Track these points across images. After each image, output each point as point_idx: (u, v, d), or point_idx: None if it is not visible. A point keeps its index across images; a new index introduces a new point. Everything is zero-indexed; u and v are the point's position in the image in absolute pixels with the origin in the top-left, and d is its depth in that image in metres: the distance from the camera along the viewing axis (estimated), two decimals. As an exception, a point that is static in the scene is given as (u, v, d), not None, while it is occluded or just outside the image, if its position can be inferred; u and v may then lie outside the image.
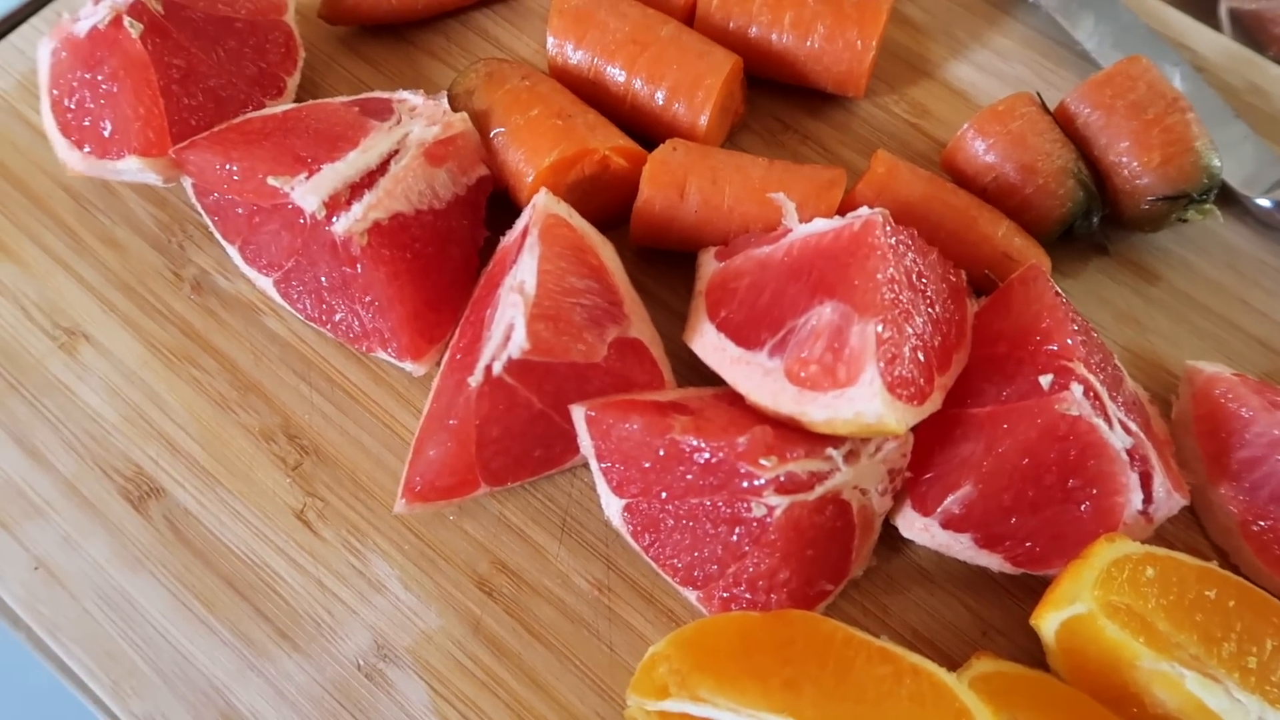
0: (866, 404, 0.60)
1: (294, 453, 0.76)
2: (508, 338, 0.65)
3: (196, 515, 0.73)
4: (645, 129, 0.82)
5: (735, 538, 0.64)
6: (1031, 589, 0.71)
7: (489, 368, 0.65)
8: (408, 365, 0.74)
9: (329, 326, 0.76)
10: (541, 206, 0.72)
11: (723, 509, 0.64)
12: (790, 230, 0.71)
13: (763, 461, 0.61)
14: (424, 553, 0.72)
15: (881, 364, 0.61)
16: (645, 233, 0.78)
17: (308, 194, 0.68)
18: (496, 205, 0.79)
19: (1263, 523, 0.70)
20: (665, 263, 0.82)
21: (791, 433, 0.64)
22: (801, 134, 0.89)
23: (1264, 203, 0.84)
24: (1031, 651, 0.68)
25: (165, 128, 0.74)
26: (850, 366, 0.61)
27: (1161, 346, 0.81)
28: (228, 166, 0.71)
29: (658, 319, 0.76)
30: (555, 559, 0.72)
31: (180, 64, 0.76)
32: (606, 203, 0.80)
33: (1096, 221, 0.80)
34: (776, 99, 0.90)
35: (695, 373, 0.75)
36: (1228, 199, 0.85)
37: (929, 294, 0.68)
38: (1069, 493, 0.67)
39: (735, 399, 0.69)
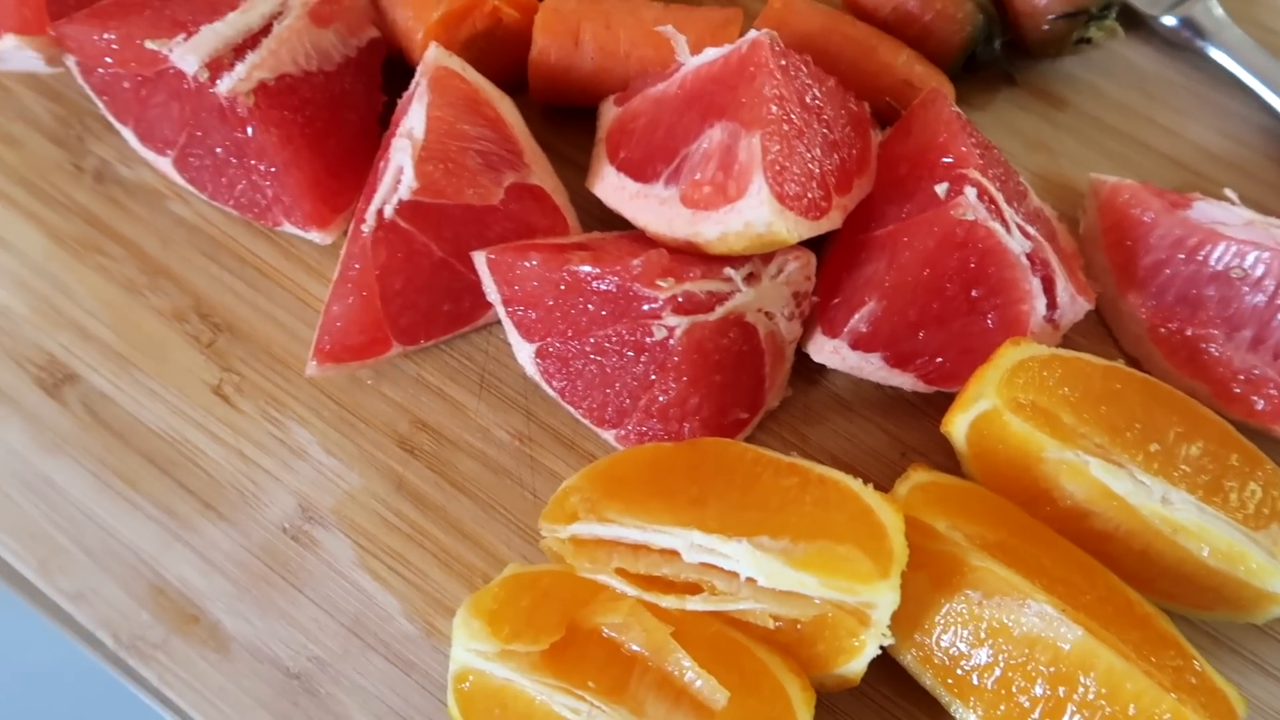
0: (754, 212, 0.59)
1: (207, 331, 0.75)
2: (398, 180, 0.64)
3: (113, 398, 0.73)
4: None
5: (641, 366, 0.64)
6: (946, 408, 0.71)
7: (380, 211, 0.65)
8: (313, 234, 0.74)
9: (232, 203, 0.75)
10: (431, 60, 0.71)
11: (626, 336, 0.64)
12: (682, 65, 0.70)
13: (659, 283, 0.61)
14: (343, 417, 0.72)
15: (769, 175, 0.60)
16: (544, 86, 0.77)
17: (187, 54, 0.67)
18: (395, 72, 0.78)
19: (1170, 325, 0.71)
20: (574, 123, 0.81)
21: (689, 256, 0.64)
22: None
23: (1169, 20, 0.84)
24: (949, 470, 0.69)
25: (42, 5, 0.72)
26: (740, 181, 0.61)
27: (1072, 170, 0.81)
28: (105, 36, 0.69)
29: (569, 178, 0.76)
30: (475, 414, 0.73)
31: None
32: (506, 63, 0.79)
33: (999, 46, 0.80)
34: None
35: (607, 229, 0.74)
36: (1133, 21, 0.85)
37: (825, 116, 0.68)
38: (973, 303, 0.67)
39: (638, 238, 0.69)
